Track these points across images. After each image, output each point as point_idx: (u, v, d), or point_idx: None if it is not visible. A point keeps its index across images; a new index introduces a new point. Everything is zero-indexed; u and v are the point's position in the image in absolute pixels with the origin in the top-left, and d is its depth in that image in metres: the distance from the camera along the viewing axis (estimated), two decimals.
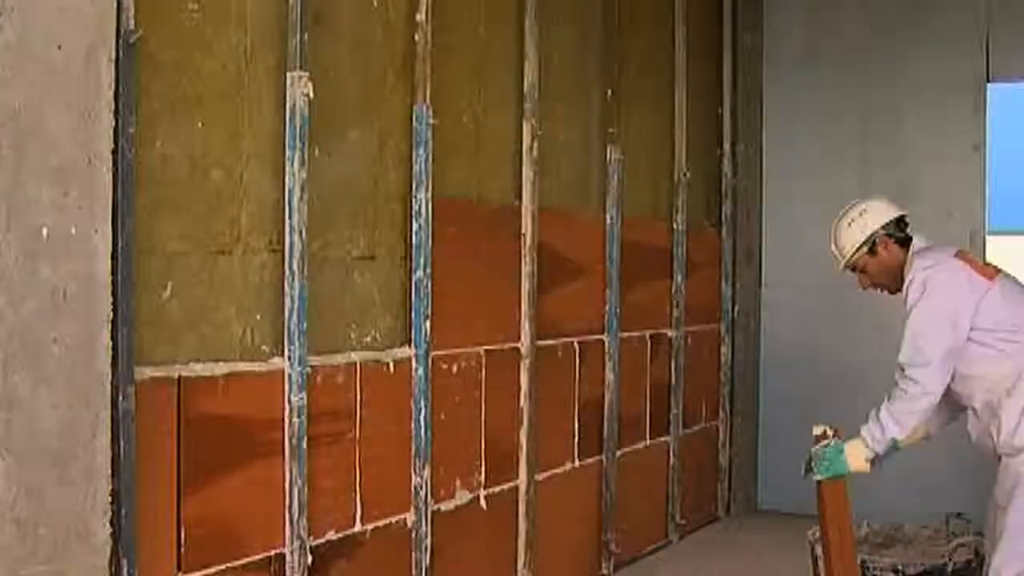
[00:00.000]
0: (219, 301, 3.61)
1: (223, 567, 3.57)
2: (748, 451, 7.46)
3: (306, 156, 3.79)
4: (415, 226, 4.35)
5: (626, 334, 6.00)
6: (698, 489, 6.98)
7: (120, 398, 3.11)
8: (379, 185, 4.28)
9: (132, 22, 3.14)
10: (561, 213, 5.46)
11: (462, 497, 4.73)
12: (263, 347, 3.75)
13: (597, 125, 5.83)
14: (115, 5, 3.07)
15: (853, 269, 4.24)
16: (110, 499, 3.06)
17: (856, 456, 4.02)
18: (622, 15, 5.94)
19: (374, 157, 4.26)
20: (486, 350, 4.87)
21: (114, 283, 3.07)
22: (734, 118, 7.39)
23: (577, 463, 5.61)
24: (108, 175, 3.04)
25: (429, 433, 4.40)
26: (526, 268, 5.10)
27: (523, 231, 5.10)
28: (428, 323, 4.39)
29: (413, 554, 4.37)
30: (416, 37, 4.37)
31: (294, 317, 3.77)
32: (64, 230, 2.91)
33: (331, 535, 3.98)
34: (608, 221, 5.84)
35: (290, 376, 3.76)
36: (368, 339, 4.21)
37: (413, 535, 4.36)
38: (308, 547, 3.81)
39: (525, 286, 5.10)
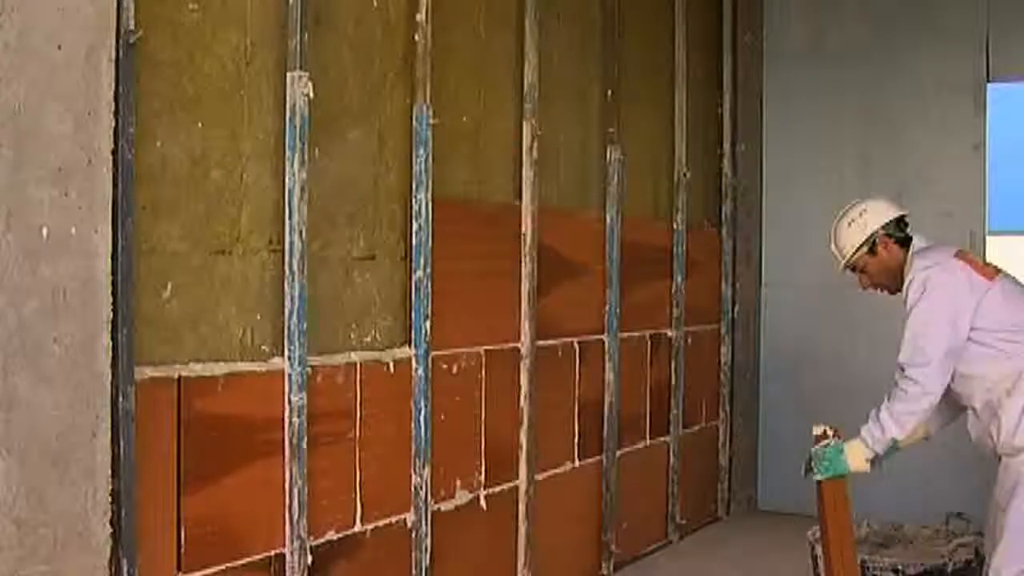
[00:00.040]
0: (219, 301, 3.61)
1: (223, 567, 3.57)
2: (748, 451, 7.46)
3: (306, 156, 3.80)
4: (415, 226, 4.35)
5: (626, 334, 6.00)
6: (698, 489, 6.98)
7: (120, 398, 3.12)
8: (379, 185, 4.28)
9: (132, 22, 3.14)
10: (561, 213, 5.46)
11: (462, 497, 4.73)
12: (263, 347, 3.75)
13: (597, 125, 5.83)
14: (115, 5, 3.08)
15: (853, 269, 4.24)
16: (110, 499, 3.06)
17: (856, 456, 4.02)
18: (622, 15, 5.94)
19: (374, 157, 4.26)
20: (486, 350, 4.87)
21: (114, 283, 3.07)
22: (734, 118, 7.39)
23: (577, 463, 5.61)
24: (108, 175, 3.04)
25: (429, 433, 4.40)
26: (526, 268, 5.10)
27: (523, 231, 5.10)
28: (428, 323, 4.39)
29: (413, 554, 4.37)
30: (416, 37, 4.37)
31: (294, 317, 3.77)
32: (64, 230, 2.91)
33: (331, 535, 3.98)
34: (608, 221, 5.84)
35: (290, 376, 3.77)
36: (368, 339, 4.21)
37: (413, 535, 4.36)
38: (308, 547, 3.81)
39: (525, 286, 5.10)
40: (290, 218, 3.76)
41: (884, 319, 7.11)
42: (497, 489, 4.95)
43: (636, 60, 6.18)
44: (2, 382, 2.77)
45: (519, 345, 5.09)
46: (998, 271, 4.15)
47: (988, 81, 6.89)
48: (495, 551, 4.98)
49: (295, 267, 3.77)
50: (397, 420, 4.31)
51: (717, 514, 7.27)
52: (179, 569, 3.45)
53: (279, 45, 3.78)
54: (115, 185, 3.08)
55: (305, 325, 3.80)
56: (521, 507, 5.10)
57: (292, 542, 3.76)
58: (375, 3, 4.26)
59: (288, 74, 3.77)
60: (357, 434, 4.13)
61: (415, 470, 4.37)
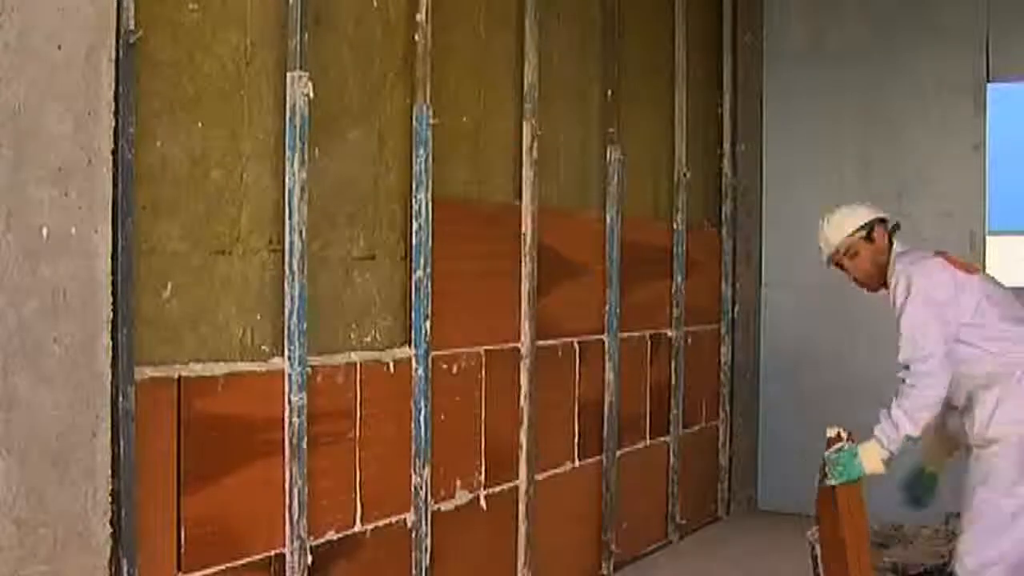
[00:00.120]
0: (219, 301, 3.61)
1: (223, 567, 3.57)
2: (748, 451, 7.46)
3: (306, 156, 3.80)
4: (415, 226, 4.35)
5: (626, 334, 6.00)
6: (698, 489, 6.98)
7: (120, 398, 3.12)
8: (379, 185, 4.28)
9: (132, 22, 3.14)
10: (561, 213, 5.46)
11: (462, 497, 4.73)
12: (263, 347, 3.75)
13: (597, 125, 5.83)
14: (115, 5, 3.08)
15: (839, 265, 4.28)
16: (110, 499, 3.06)
17: (871, 458, 4.02)
18: (622, 15, 5.94)
19: (374, 157, 4.26)
20: (486, 350, 4.87)
21: (114, 283, 3.07)
22: (734, 118, 7.39)
23: (577, 463, 5.61)
24: (108, 175, 3.04)
25: (429, 433, 4.40)
26: (526, 268, 5.10)
27: (523, 231, 5.10)
28: (428, 323, 4.39)
29: (413, 554, 4.37)
30: (416, 37, 4.37)
31: (294, 317, 3.77)
32: (64, 230, 2.91)
33: (331, 535, 3.98)
34: (608, 221, 5.84)
35: (290, 376, 3.76)
36: (368, 339, 4.21)
37: (413, 535, 4.36)
38: (308, 547, 3.81)
39: (525, 286, 5.10)
40: (290, 218, 3.76)
41: (884, 319, 7.11)
42: (497, 489, 4.95)
43: (636, 60, 6.18)
44: (2, 382, 2.77)
45: (519, 345, 5.09)
46: (979, 270, 4.20)
47: (988, 81, 6.89)
48: (495, 551, 4.97)
49: (295, 267, 3.77)
50: (397, 420, 4.31)
51: (717, 514, 7.27)
52: (179, 569, 3.45)
53: (279, 45, 3.78)
54: (115, 185, 3.08)
55: (305, 325, 3.80)
56: (521, 507, 5.10)
57: (292, 542, 3.76)
58: (375, 3, 4.26)
59: (288, 74, 3.77)
60: (357, 434, 4.13)
61: (415, 470, 4.37)
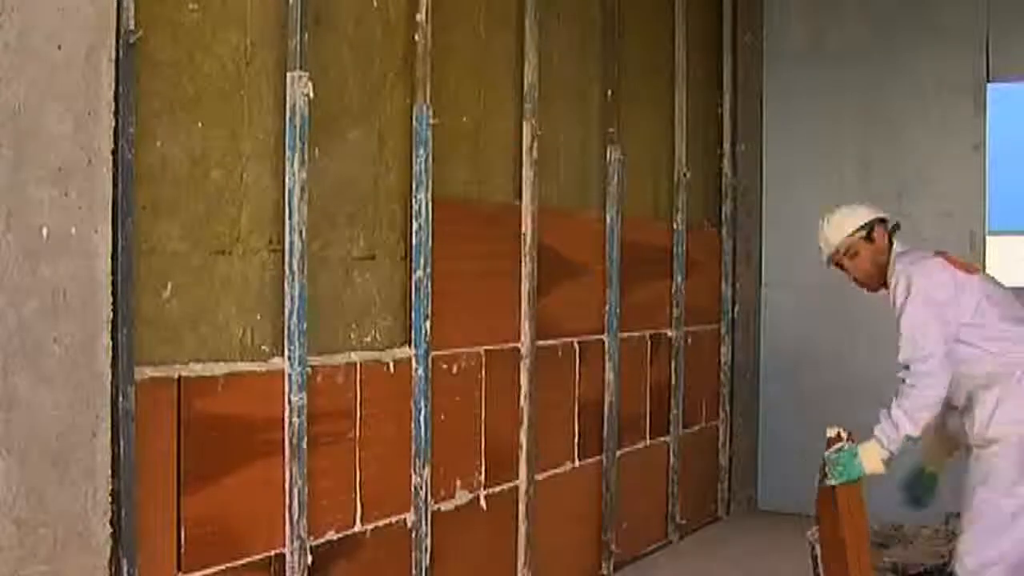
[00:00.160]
0: (219, 301, 3.61)
1: (223, 567, 3.57)
2: (748, 451, 7.46)
3: (306, 156, 3.80)
4: (415, 226, 4.35)
5: (626, 334, 6.00)
6: (698, 489, 6.98)
7: (120, 398, 3.12)
8: (379, 185, 4.27)
9: (132, 22, 3.14)
10: (561, 213, 5.46)
11: (462, 497, 4.73)
12: (263, 347, 3.75)
13: (597, 125, 5.83)
14: (115, 5, 3.08)
15: (839, 265, 4.28)
16: (110, 499, 3.06)
17: (871, 458, 4.02)
18: (622, 15, 5.94)
19: (374, 157, 4.26)
20: (486, 350, 4.87)
21: (114, 283, 3.07)
22: (734, 118, 7.39)
23: (577, 463, 5.61)
24: (108, 175, 3.04)
25: (429, 433, 4.40)
26: (526, 268, 5.10)
27: (523, 231, 5.10)
28: (428, 323, 4.39)
29: (413, 554, 4.37)
30: (416, 37, 4.37)
31: (294, 317, 3.77)
32: (64, 230, 2.91)
33: (331, 535, 3.98)
34: (608, 221, 5.84)
35: (290, 376, 3.76)
36: (368, 339, 4.21)
37: (413, 535, 4.36)
38: (308, 547, 3.81)
39: (525, 286, 5.10)
40: (290, 218, 3.76)
41: (884, 319, 7.12)
42: (497, 489, 4.95)
43: (636, 60, 6.18)
44: (2, 382, 2.77)
45: (519, 345, 5.09)
46: (979, 270, 4.20)
47: (988, 81, 6.89)
48: (495, 551, 4.97)
49: (295, 267, 3.77)
50: (397, 420, 4.31)
51: (717, 514, 7.27)
52: (179, 569, 3.45)
53: (279, 45, 3.78)
54: (115, 185, 3.08)
55: (305, 325, 3.80)
56: (521, 507, 5.10)
57: (292, 542, 3.76)
58: (375, 3, 4.26)
59: (288, 74, 3.77)
60: (357, 434, 4.12)
61: (415, 470, 4.37)
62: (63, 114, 2.91)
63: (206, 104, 3.55)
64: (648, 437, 6.34)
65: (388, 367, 4.27)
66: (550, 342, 5.33)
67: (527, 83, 5.09)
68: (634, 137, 6.15)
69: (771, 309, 7.49)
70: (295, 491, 3.76)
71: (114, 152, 3.06)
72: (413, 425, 4.36)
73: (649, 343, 6.36)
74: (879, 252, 4.23)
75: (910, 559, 4.41)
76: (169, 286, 3.44)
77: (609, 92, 5.85)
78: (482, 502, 4.85)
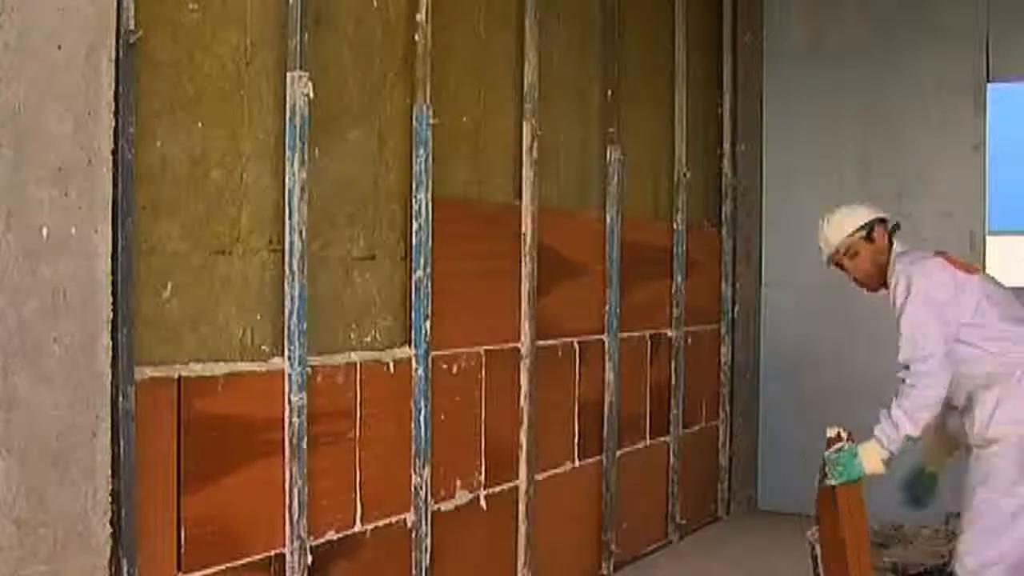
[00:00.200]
0: (219, 301, 3.61)
1: (223, 567, 3.57)
2: (748, 451, 7.46)
3: (306, 156, 3.80)
4: (415, 226, 4.35)
5: (626, 334, 6.00)
6: (698, 489, 6.98)
7: (120, 398, 3.12)
8: (379, 185, 4.27)
9: (132, 22, 3.14)
10: (561, 213, 5.46)
11: (462, 497, 4.73)
12: (263, 347, 3.75)
13: (597, 125, 5.83)
14: (115, 5, 3.08)
15: (839, 266, 4.28)
16: (110, 499, 3.06)
17: (871, 458, 4.02)
18: (622, 15, 5.94)
19: (374, 157, 4.25)
20: (486, 350, 4.87)
21: (114, 283, 3.07)
22: (734, 118, 7.39)
23: (577, 463, 5.61)
24: (108, 175, 3.04)
25: (429, 433, 4.40)
26: (526, 268, 5.10)
27: (523, 231, 5.10)
28: (428, 323, 4.39)
29: (413, 554, 4.37)
30: (416, 37, 4.37)
31: (294, 317, 3.77)
32: (64, 230, 2.91)
33: (331, 535, 3.98)
34: (608, 221, 5.84)
35: (290, 376, 3.76)
36: (368, 339, 4.21)
37: (413, 535, 4.36)
38: (308, 547, 3.81)
39: (525, 286, 5.10)
40: (290, 218, 3.76)
41: (884, 319, 7.12)
42: (497, 489, 4.95)
43: (636, 60, 6.18)
44: (2, 382, 2.77)
45: (519, 345, 5.09)
46: (979, 270, 4.20)
47: (988, 81, 6.89)
48: (495, 551, 4.97)
49: (295, 267, 3.77)
50: (397, 420, 4.31)
51: (717, 514, 7.27)
52: (179, 569, 3.45)
53: (279, 45, 3.78)
54: (115, 185, 3.08)
55: (305, 325, 3.80)
56: (521, 507, 5.10)
57: (292, 542, 3.76)
58: (375, 3, 4.26)
59: (288, 74, 3.77)
60: (357, 434, 4.12)
61: (415, 470, 4.37)
62: (63, 114, 2.91)
63: (206, 104, 3.55)
64: (648, 437, 6.34)
65: (388, 367, 4.27)
66: (550, 342, 5.33)
67: (527, 83, 5.09)
68: (634, 137, 6.15)
69: (771, 309, 7.49)
70: (295, 491, 3.76)
71: (114, 152, 3.06)
72: (413, 425, 4.36)
73: (649, 343, 6.36)
74: (879, 252, 4.24)
75: (910, 559, 4.41)
76: (169, 286, 3.44)
77: (609, 92, 5.85)
78: (482, 502, 4.85)
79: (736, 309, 7.39)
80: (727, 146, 7.33)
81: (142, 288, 3.31)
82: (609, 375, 5.82)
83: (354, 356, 4.13)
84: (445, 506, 4.61)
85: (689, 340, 6.78)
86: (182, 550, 3.45)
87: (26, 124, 2.82)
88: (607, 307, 5.82)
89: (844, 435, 4.07)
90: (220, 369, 3.58)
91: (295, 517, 3.76)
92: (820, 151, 7.36)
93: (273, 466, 3.73)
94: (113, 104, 3.05)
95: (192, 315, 3.51)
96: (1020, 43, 6.84)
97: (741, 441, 7.42)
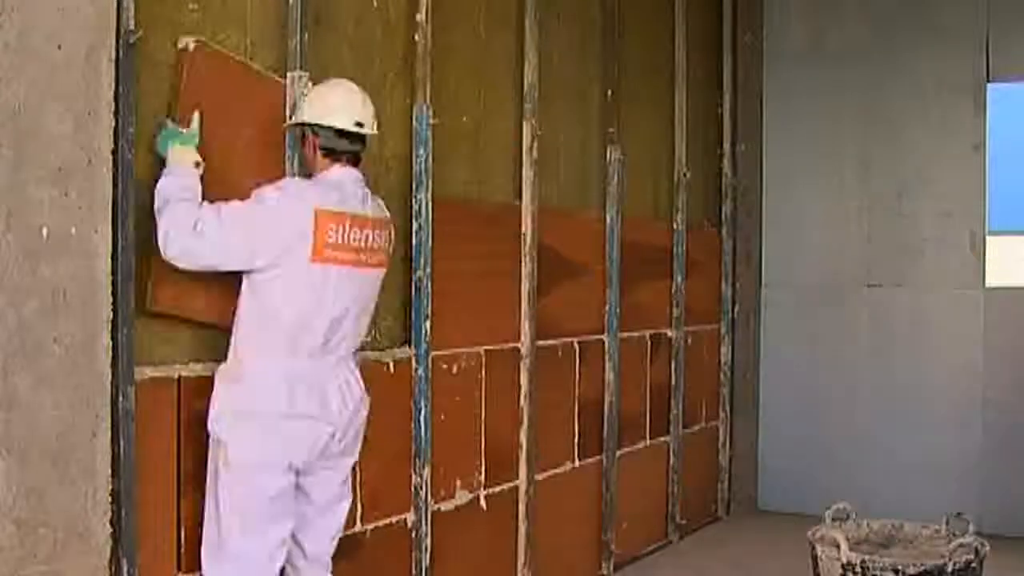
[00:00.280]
0: None
1: None
2: (748, 451, 7.46)
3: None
4: (415, 226, 4.35)
5: (626, 334, 6.00)
6: (698, 489, 6.98)
7: (120, 398, 3.12)
8: (379, 185, 4.26)
9: (132, 22, 3.14)
10: (561, 213, 5.46)
11: (462, 497, 4.73)
12: None
13: (597, 125, 5.83)
14: (115, 5, 3.08)
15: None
16: (110, 499, 3.07)
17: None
18: (622, 15, 5.94)
19: (374, 157, 4.24)
20: (486, 350, 4.87)
21: (114, 283, 3.07)
22: (734, 118, 7.39)
23: (577, 463, 5.61)
24: (108, 175, 3.04)
25: (429, 433, 4.40)
26: (526, 268, 5.10)
27: (523, 231, 5.10)
28: (428, 323, 4.39)
29: (413, 554, 4.37)
30: (416, 37, 4.37)
31: None
32: (64, 230, 2.91)
33: None
34: (608, 221, 5.84)
35: None
36: (368, 339, 4.20)
37: (413, 535, 4.36)
38: None
39: (525, 286, 5.10)
40: None
41: (884, 319, 7.15)
42: (497, 489, 4.95)
43: (636, 60, 6.18)
44: (2, 382, 2.77)
45: (519, 345, 5.09)
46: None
47: (988, 81, 6.89)
48: (495, 551, 4.97)
49: None
50: (397, 420, 4.31)
51: (717, 514, 7.27)
52: (179, 569, 3.45)
53: (279, 45, 3.78)
54: (115, 185, 3.08)
55: None
56: (521, 507, 5.10)
57: None
58: (375, 3, 4.26)
59: (288, 74, 3.77)
60: None
61: (415, 470, 4.37)
62: (63, 114, 2.91)
63: None
64: (648, 437, 6.34)
65: (388, 367, 4.27)
66: (550, 342, 5.33)
67: (527, 83, 5.09)
68: (634, 137, 6.15)
69: (771, 309, 7.49)
70: None
71: (114, 152, 3.06)
72: (413, 425, 4.36)
73: (649, 343, 6.36)
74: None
75: (910, 559, 4.40)
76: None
77: (609, 92, 5.85)
78: (482, 502, 4.85)
79: (736, 309, 7.39)
80: (727, 146, 7.33)
81: (142, 288, 3.30)
82: (609, 375, 5.82)
83: None
84: (445, 506, 4.61)
85: (689, 340, 6.78)
86: (182, 550, 3.45)
87: (26, 124, 2.82)
88: (607, 307, 5.82)
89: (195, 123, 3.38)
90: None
91: None
92: (820, 151, 7.36)
93: None
94: (113, 104, 3.05)
95: None
96: (1020, 43, 6.83)
97: (741, 441, 7.42)
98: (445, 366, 4.59)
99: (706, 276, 7.10)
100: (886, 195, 7.14)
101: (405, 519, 4.34)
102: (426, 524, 4.40)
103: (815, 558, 4.53)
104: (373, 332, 4.23)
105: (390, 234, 3.71)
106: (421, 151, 4.36)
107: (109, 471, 3.06)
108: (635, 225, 6.10)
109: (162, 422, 3.38)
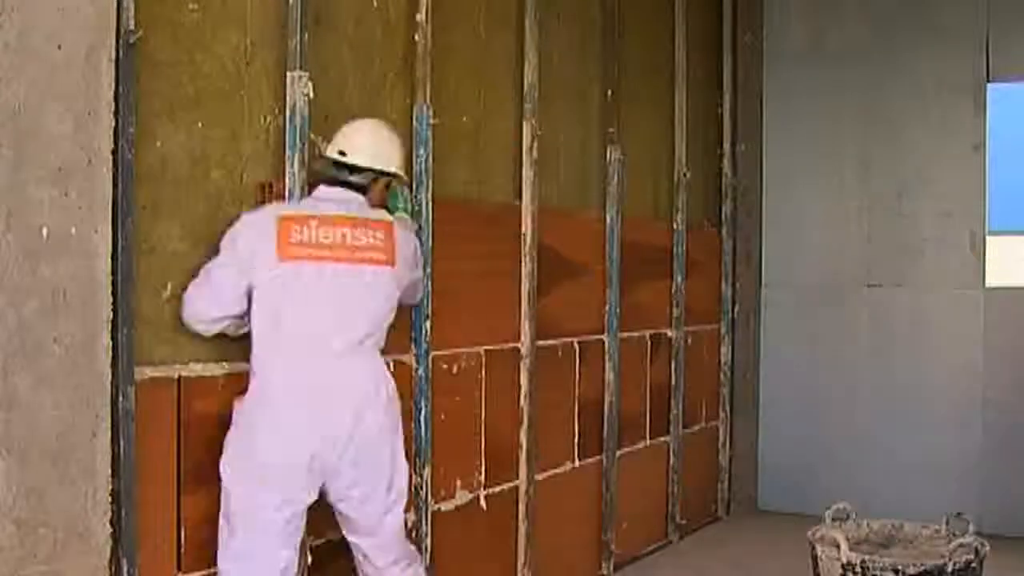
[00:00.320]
0: None
1: None
2: (748, 451, 7.46)
3: (306, 156, 3.80)
4: (415, 226, 4.35)
5: (626, 334, 5.99)
6: (698, 489, 6.98)
7: (120, 398, 3.12)
8: None
9: (132, 22, 3.14)
10: (561, 213, 5.46)
11: (462, 497, 4.73)
12: None
13: (597, 125, 5.83)
14: (115, 5, 3.08)
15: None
16: (110, 499, 3.07)
17: None
18: (622, 15, 5.94)
19: None
20: (486, 350, 4.87)
21: (114, 283, 3.08)
22: (734, 118, 7.39)
23: (577, 463, 5.61)
24: (108, 175, 3.04)
25: (429, 433, 4.40)
26: (526, 268, 5.10)
27: (523, 231, 5.10)
28: (428, 323, 4.39)
29: None
30: (416, 37, 4.37)
31: None
32: (64, 230, 2.92)
33: (331, 535, 3.97)
34: (608, 221, 5.84)
35: None
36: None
37: (413, 535, 4.36)
38: (308, 547, 3.80)
39: (525, 286, 5.10)
40: None
41: (884, 319, 7.15)
42: (497, 489, 4.95)
43: (636, 60, 6.18)
44: (2, 382, 2.77)
45: (519, 345, 5.09)
46: None
47: (988, 81, 6.88)
48: (495, 551, 4.98)
49: None
50: None
51: (717, 514, 7.27)
52: (179, 569, 3.45)
53: (279, 45, 3.78)
54: (115, 185, 3.08)
55: None
56: (521, 507, 5.10)
57: None
58: (375, 3, 4.26)
59: (288, 74, 3.77)
60: None
61: (415, 470, 4.37)
62: (63, 114, 2.91)
63: (206, 104, 3.55)
64: (648, 437, 6.34)
65: (388, 367, 4.26)
66: (550, 342, 5.33)
67: (527, 83, 5.09)
68: (634, 137, 6.15)
69: (771, 309, 7.49)
70: None
71: (114, 152, 3.06)
72: (413, 425, 4.36)
73: (649, 343, 6.36)
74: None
75: (910, 559, 4.40)
76: (169, 286, 3.44)
77: (609, 92, 5.85)
78: (482, 502, 4.85)
79: (736, 309, 7.39)
80: (727, 146, 7.32)
81: (142, 288, 3.31)
82: (609, 375, 5.82)
83: None
84: (445, 506, 4.61)
85: (689, 340, 6.78)
86: (182, 550, 3.45)
87: (26, 124, 2.82)
88: (607, 307, 5.82)
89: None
90: (220, 369, 3.58)
91: None
92: (820, 151, 7.36)
93: None
94: (113, 104, 3.05)
95: None
96: (1020, 43, 6.83)
97: (741, 441, 7.42)
98: (445, 366, 4.59)
99: (706, 276, 7.10)
100: (886, 195, 7.14)
101: (405, 519, 4.33)
102: (426, 524, 4.40)
103: (815, 558, 4.53)
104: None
105: (391, 234, 3.70)
106: (421, 151, 4.36)
107: (109, 471, 3.06)
108: (635, 225, 6.10)
109: (162, 422, 3.38)
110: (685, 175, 6.67)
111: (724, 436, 7.31)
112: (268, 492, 3.40)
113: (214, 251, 3.51)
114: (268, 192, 3.73)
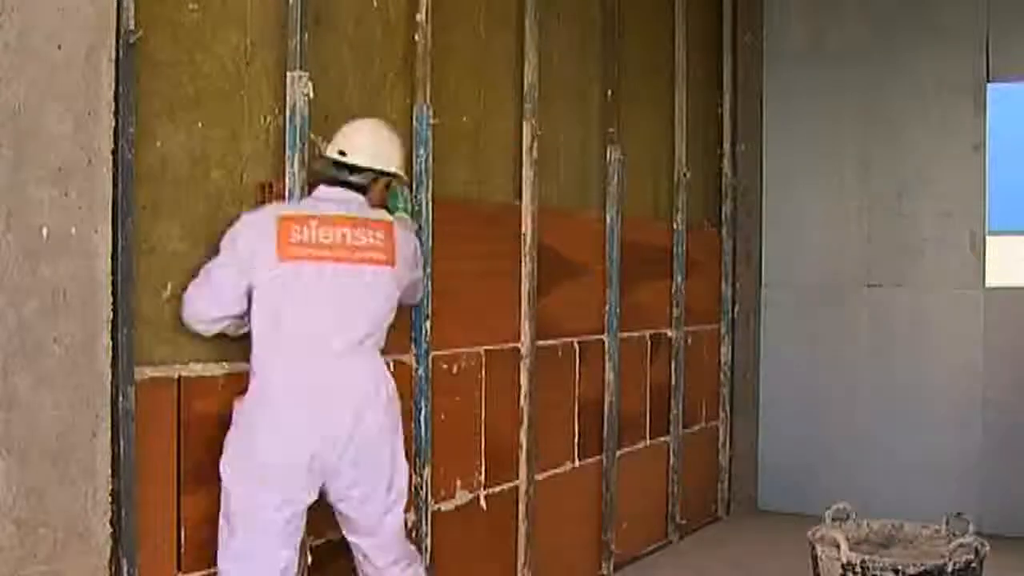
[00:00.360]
0: None
1: None
2: (748, 451, 7.46)
3: (306, 156, 3.80)
4: (415, 226, 4.35)
5: (626, 334, 5.99)
6: (698, 489, 6.98)
7: (120, 398, 3.12)
8: None
9: (132, 22, 3.14)
10: (561, 213, 5.46)
11: (462, 497, 4.73)
12: None
13: (597, 125, 5.83)
14: (115, 5, 3.08)
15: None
16: (110, 499, 3.07)
17: None
18: (622, 15, 5.94)
19: None
20: (486, 350, 4.87)
21: (114, 283, 3.08)
22: (734, 118, 7.39)
23: (577, 463, 5.61)
24: (108, 175, 3.04)
25: (429, 433, 4.40)
26: (526, 268, 5.10)
27: (523, 231, 5.10)
28: (428, 323, 4.39)
29: None
30: (416, 37, 4.37)
31: None
32: (64, 230, 2.92)
33: (331, 535, 3.97)
34: (608, 221, 5.84)
35: None
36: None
37: (413, 535, 4.36)
38: (308, 547, 3.80)
39: (525, 286, 5.10)
40: None
41: (884, 319, 7.15)
42: (497, 489, 4.95)
43: (636, 60, 6.18)
44: (2, 382, 2.77)
45: (519, 345, 5.09)
46: None
47: (988, 81, 6.88)
48: (495, 551, 4.98)
49: None
50: None
51: (717, 514, 7.27)
52: (179, 569, 3.45)
53: (279, 45, 3.78)
54: (115, 185, 3.08)
55: None
56: (521, 507, 5.10)
57: None
58: (375, 3, 4.26)
59: (288, 74, 3.77)
60: None
61: (415, 470, 4.36)
62: (63, 114, 2.91)
63: (206, 104, 3.55)
64: (648, 437, 6.34)
65: (388, 367, 4.26)
66: (550, 342, 5.33)
67: (527, 83, 5.09)
68: (634, 137, 6.15)
69: (771, 309, 7.49)
70: None
71: (114, 152, 3.07)
72: (413, 425, 4.36)
73: (649, 343, 6.36)
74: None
75: (910, 559, 4.40)
76: (169, 286, 3.44)
77: (609, 92, 5.85)
78: (482, 502, 4.85)
79: (736, 309, 7.39)
80: (727, 146, 7.32)
81: (142, 288, 3.31)
82: (609, 375, 5.82)
83: None
84: (445, 506, 4.61)
85: (689, 340, 6.78)
86: (182, 550, 3.45)
87: (26, 124, 2.82)
88: (607, 307, 5.82)
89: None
90: (220, 369, 3.58)
91: None
92: (820, 151, 7.36)
93: None
94: (113, 104, 3.05)
95: None
96: (1020, 43, 6.83)
97: (741, 441, 7.42)
98: (445, 366, 4.59)
99: (706, 276, 7.10)
100: (886, 195, 7.14)
101: (405, 519, 4.33)
102: (426, 524, 4.40)
103: (815, 558, 4.53)
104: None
105: (391, 234, 3.70)
106: (421, 151, 4.36)
107: (109, 471, 3.06)
108: (635, 225, 6.10)
109: (162, 422, 3.38)
110: (685, 175, 6.67)
111: (724, 436, 7.31)
112: (268, 492, 3.40)
113: (214, 251, 3.51)
114: (268, 192, 3.73)
